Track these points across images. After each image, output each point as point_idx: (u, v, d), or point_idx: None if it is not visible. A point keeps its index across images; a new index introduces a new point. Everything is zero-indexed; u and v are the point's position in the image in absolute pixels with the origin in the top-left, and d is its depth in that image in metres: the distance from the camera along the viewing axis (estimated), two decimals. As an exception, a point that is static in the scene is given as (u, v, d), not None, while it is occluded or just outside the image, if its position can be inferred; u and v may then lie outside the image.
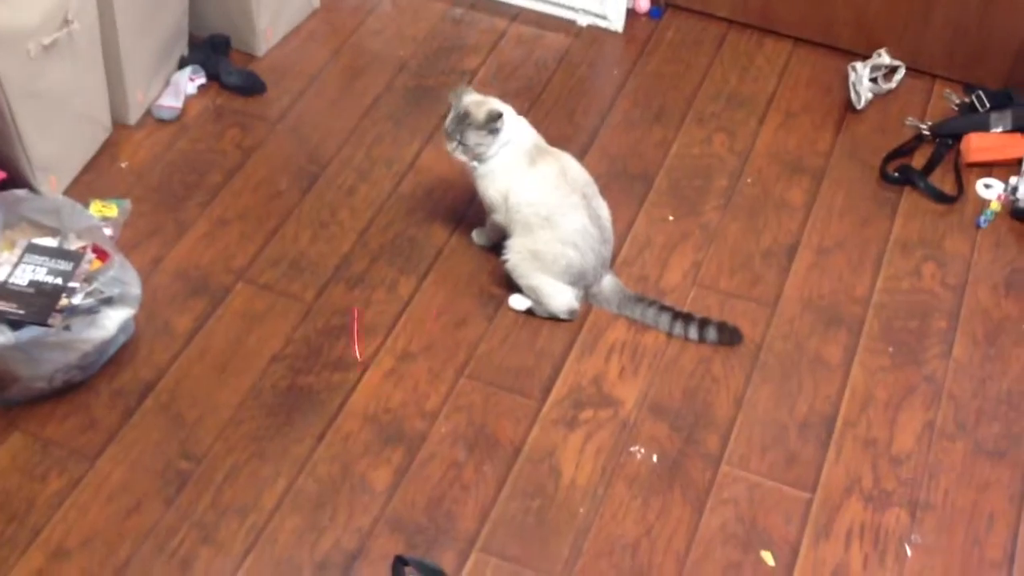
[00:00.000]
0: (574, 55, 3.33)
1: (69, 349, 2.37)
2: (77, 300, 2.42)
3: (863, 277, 2.78)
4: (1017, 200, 2.92)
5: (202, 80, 3.15)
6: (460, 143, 2.56)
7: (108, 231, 2.68)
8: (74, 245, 2.54)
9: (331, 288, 2.70)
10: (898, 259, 2.83)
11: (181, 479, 2.34)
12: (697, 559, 2.27)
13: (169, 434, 2.41)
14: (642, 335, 2.64)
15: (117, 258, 2.50)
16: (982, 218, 2.92)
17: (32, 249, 2.49)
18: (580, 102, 3.19)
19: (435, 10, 3.45)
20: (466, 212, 2.86)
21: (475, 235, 2.80)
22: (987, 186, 3.00)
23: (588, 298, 2.67)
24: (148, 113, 3.06)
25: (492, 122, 2.53)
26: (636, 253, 2.81)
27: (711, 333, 2.61)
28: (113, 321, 2.43)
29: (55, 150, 2.78)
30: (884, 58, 3.22)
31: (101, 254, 2.52)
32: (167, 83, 3.11)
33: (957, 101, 3.21)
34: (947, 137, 3.10)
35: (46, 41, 2.61)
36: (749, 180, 3.00)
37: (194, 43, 3.21)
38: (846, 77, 3.22)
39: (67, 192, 2.83)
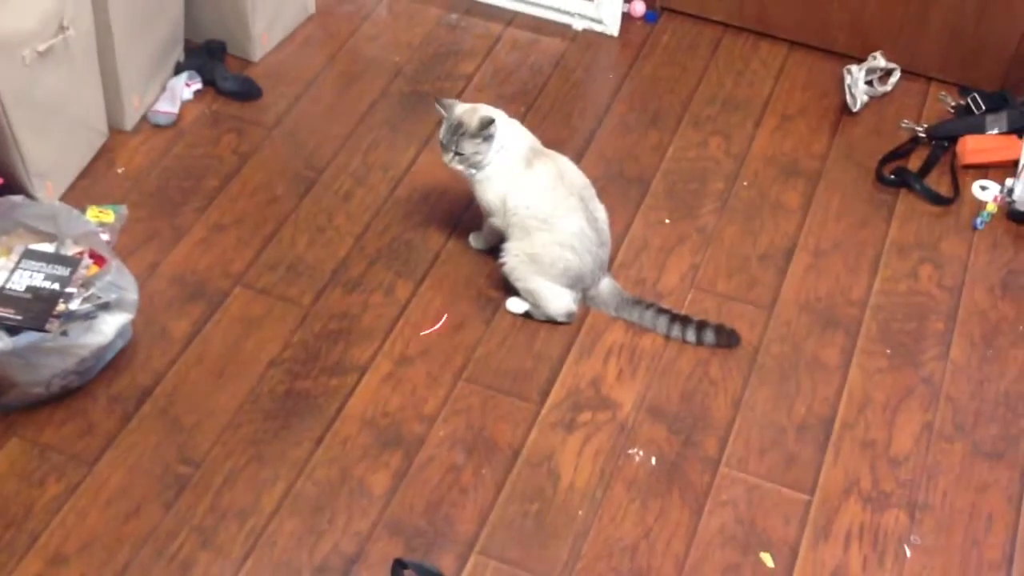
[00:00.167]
0: (570, 59, 3.34)
1: (66, 354, 2.37)
2: (74, 305, 2.41)
3: (860, 279, 2.79)
4: (1013, 202, 2.92)
5: (198, 85, 3.15)
6: (456, 153, 2.57)
7: (105, 236, 2.68)
8: (71, 251, 2.53)
9: (328, 292, 2.70)
10: (895, 261, 2.83)
11: (180, 483, 2.33)
12: (696, 561, 2.27)
13: (167, 439, 2.41)
14: (640, 338, 2.64)
15: (114, 263, 2.49)
16: (978, 220, 2.92)
17: (29, 255, 2.49)
18: (576, 106, 3.19)
19: (430, 15, 3.45)
20: (463, 216, 2.87)
21: (472, 239, 2.81)
22: (983, 188, 3.00)
23: (586, 301, 2.67)
24: (144, 119, 3.07)
25: (485, 128, 2.54)
26: (633, 256, 2.81)
27: (709, 335, 2.61)
28: (110, 326, 2.43)
29: (51, 156, 2.78)
30: (880, 61, 3.22)
31: (98, 259, 2.52)
32: (163, 89, 3.11)
33: (953, 103, 3.22)
34: (943, 139, 3.10)
35: (42, 48, 2.61)
36: (745, 183, 3.00)
37: (190, 49, 3.21)
38: (842, 80, 3.23)
39: (64, 198, 2.83)
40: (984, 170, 3.05)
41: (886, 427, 2.50)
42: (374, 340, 2.61)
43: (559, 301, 2.62)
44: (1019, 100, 3.13)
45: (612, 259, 2.75)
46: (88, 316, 2.42)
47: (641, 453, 2.44)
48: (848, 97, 3.17)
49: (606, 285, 2.66)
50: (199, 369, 2.53)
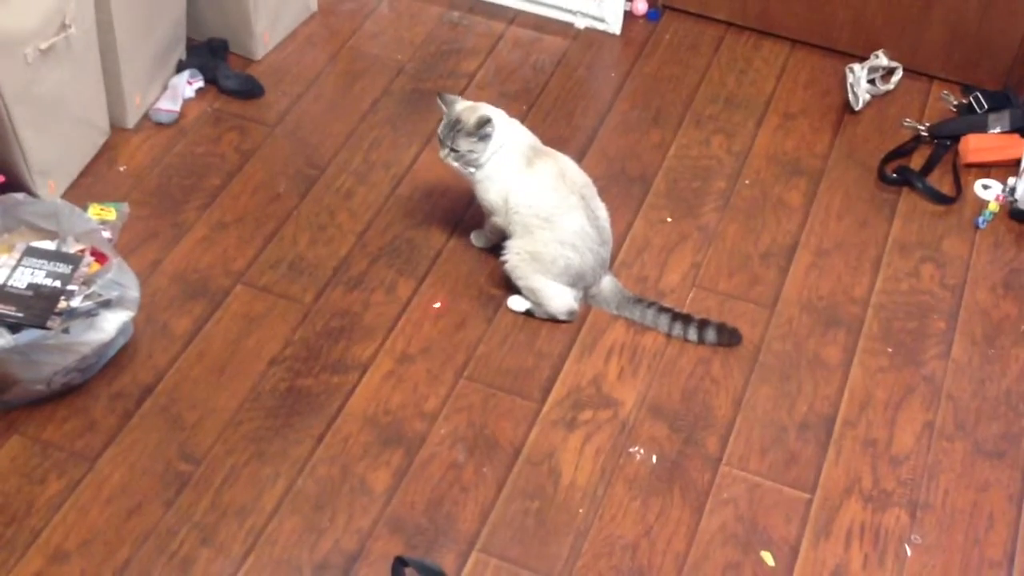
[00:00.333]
0: (572, 58, 3.34)
1: (68, 352, 2.37)
2: (76, 303, 2.42)
3: (862, 278, 2.79)
4: (1015, 201, 2.92)
5: (200, 84, 3.15)
6: (452, 149, 2.57)
7: (106, 234, 2.68)
8: (73, 248, 2.54)
9: (330, 290, 2.70)
10: (897, 260, 2.83)
11: (181, 481, 2.34)
12: (697, 560, 2.27)
13: (168, 436, 2.41)
14: (641, 336, 2.64)
15: (116, 261, 2.50)
16: (980, 219, 2.92)
17: (31, 252, 2.49)
18: (578, 104, 3.19)
19: (432, 13, 3.45)
20: (464, 214, 2.87)
21: (474, 237, 2.81)
22: (985, 187, 3.00)
23: (587, 299, 2.67)
24: (146, 117, 3.07)
25: (482, 128, 2.54)
26: (635, 254, 2.81)
27: (710, 334, 2.61)
28: (112, 324, 2.43)
29: (53, 154, 2.78)
30: (882, 59, 3.22)
31: (100, 257, 2.53)
32: (165, 87, 3.11)
33: (955, 102, 3.22)
34: (945, 138, 3.10)
35: (43, 46, 2.61)
36: (747, 182, 3.00)
37: (192, 47, 3.21)
38: (844, 79, 3.23)
39: (65, 196, 2.83)
40: (986, 169, 3.04)
41: (887, 426, 2.50)
42: (375, 338, 2.61)
43: (560, 299, 2.62)
44: (1022, 99, 3.13)
45: (613, 257, 2.75)
46: (89, 313, 2.42)
47: (642, 451, 2.44)
48: (850, 96, 3.17)
49: (607, 283, 2.66)
50: (200, 367, 2.53)
